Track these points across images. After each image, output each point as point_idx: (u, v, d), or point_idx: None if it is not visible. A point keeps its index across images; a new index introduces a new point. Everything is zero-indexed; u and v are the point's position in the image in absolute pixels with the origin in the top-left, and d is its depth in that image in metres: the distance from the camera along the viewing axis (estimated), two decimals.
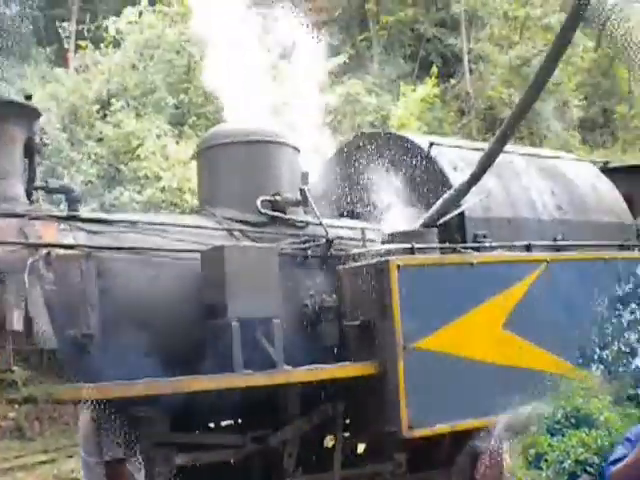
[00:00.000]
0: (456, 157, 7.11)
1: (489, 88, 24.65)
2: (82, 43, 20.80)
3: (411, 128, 18.94)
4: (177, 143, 17.03)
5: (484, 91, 24.78)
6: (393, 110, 20.32)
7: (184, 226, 5.81)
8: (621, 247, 7.46)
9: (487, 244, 6.63)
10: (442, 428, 5.81)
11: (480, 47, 26.09)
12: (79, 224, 5.36)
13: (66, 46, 21.85)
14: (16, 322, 4.52)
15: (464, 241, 6.66)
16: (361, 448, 6.62)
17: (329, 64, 6.88)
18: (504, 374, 6.11)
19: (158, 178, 15.97)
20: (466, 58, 25.37)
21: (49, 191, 5.72)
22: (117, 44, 20.31)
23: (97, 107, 17.99)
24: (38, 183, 5.61)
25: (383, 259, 5.78)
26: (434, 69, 22.84)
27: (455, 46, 25.95)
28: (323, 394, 5.77)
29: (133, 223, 5.65)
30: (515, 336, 6.25)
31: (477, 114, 24.68)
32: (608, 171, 8.63)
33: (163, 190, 15.87)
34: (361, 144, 7.48)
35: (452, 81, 25.52)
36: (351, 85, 19.91)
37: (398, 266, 5.67)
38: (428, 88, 21.55)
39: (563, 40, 6.05)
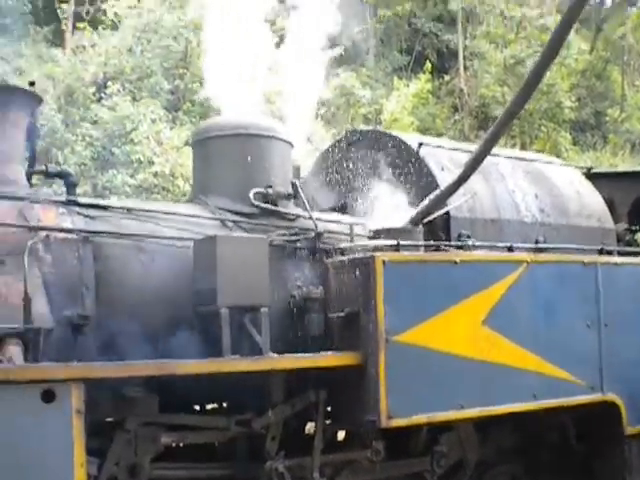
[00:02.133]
0: (444, 157, 7.28)
1: (483, 86, 24.83)
2: (80, 25, 20.85)
3: (404, 123, 19.11)
4: (171, 129, 17.15)
5: (478, 89, 24.97)
6: (386, 104, 20.47)
7: (179, 214, 6.00)
8: (600, 251, 7.65)
9: (470, 243, 6.82)
10: (419, 419, 5.96)
11: (476, 44, 26.26)
12: (77, 209, 5.52)
13: (64, 27, 21.89)
14: (15, 301, 4.69)
15: (448, 240, 6.82)
16: (341, 435, 6.83)
17: (325, 55, 7.02)
18: (481, 369, 6.27)
19: (151, 163, 16.10)
20: (461, 54, 25.55)
21: (48, 175, 5.89)
22: (115, 27, 20.38)
23: (93, 89, 18.09)
24: (38, 167, 5.81)
25: (369, 254, 5.90)
26: (428, 64, 22.98)
27: (451, 42, 26.11)
28: (307, 382, 5.92)
29: (129, 210, 5.83)
30: (494, 333, 6.40)
31: (470, 111, 24.87)
32: (591, 176, 8.81)
33: (156, 175, 16.01)
34: (353, 141, 7.65)
35: (446, 77, 25.70)
36: (346, 77, 20.04)
37: (383, 261, 5.81)
38: (422, 83, 21.70)
39: (557, 40, 6.00)
